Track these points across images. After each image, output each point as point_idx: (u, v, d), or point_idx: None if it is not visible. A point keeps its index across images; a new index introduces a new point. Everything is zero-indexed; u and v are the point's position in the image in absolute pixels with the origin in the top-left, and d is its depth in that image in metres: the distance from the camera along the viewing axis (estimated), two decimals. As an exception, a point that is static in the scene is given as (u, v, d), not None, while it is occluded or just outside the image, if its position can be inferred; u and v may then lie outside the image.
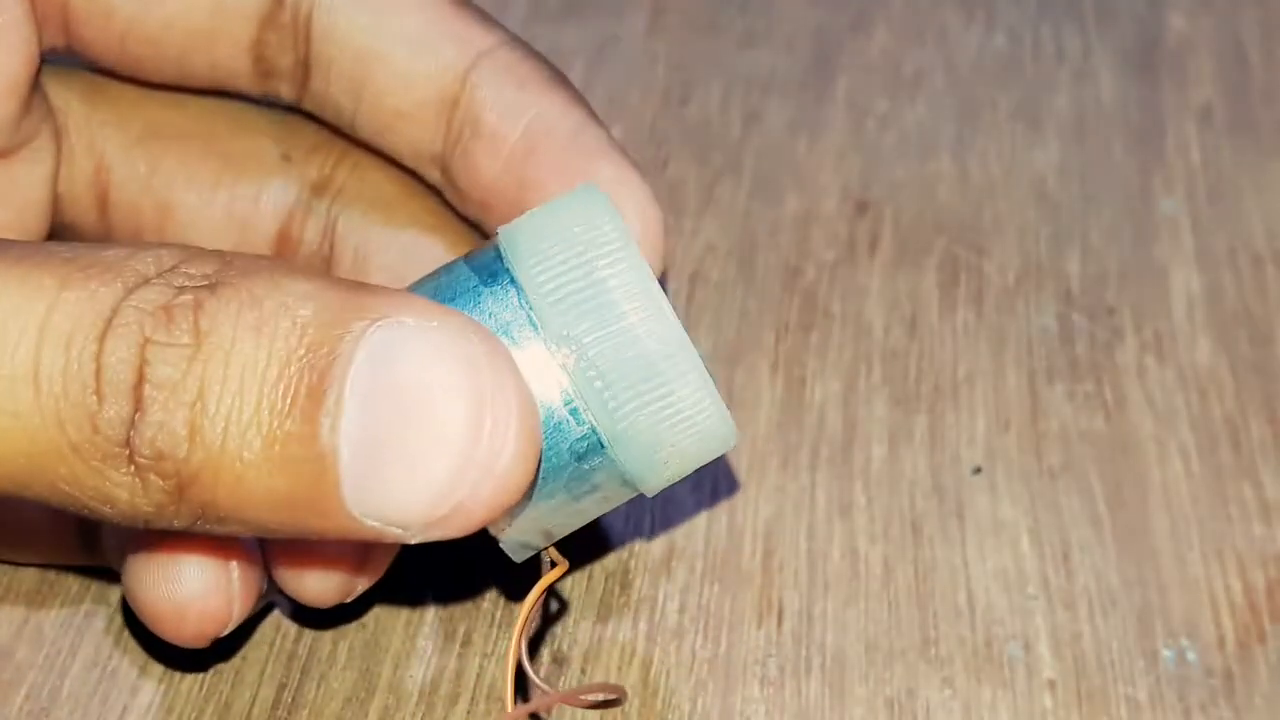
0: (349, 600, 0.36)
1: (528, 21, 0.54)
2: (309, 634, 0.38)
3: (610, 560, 0.40)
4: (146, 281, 0.29)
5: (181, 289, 0.29)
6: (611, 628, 0.38)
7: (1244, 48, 0.55)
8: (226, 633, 0.34)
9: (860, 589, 0.39)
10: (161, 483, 0.29)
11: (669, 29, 0.56)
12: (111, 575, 0.38)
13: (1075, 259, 0.48)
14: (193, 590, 0.33)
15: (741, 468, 0.42)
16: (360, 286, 0.29)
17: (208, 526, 0.30)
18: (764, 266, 0.47)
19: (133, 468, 0.29)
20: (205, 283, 0.29)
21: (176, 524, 0.29)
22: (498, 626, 0.38)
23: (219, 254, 0.29)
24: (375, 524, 0.29)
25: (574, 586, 0.39)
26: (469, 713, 0.37)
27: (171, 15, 0.37)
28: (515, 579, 0.39)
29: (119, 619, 0.38)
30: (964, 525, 0.41)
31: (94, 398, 0.28)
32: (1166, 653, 0.38)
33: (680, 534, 0.40)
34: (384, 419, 0.28)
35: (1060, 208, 0.49)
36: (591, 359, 0.31)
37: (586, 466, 0.32)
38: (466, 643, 0.38)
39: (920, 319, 0.46)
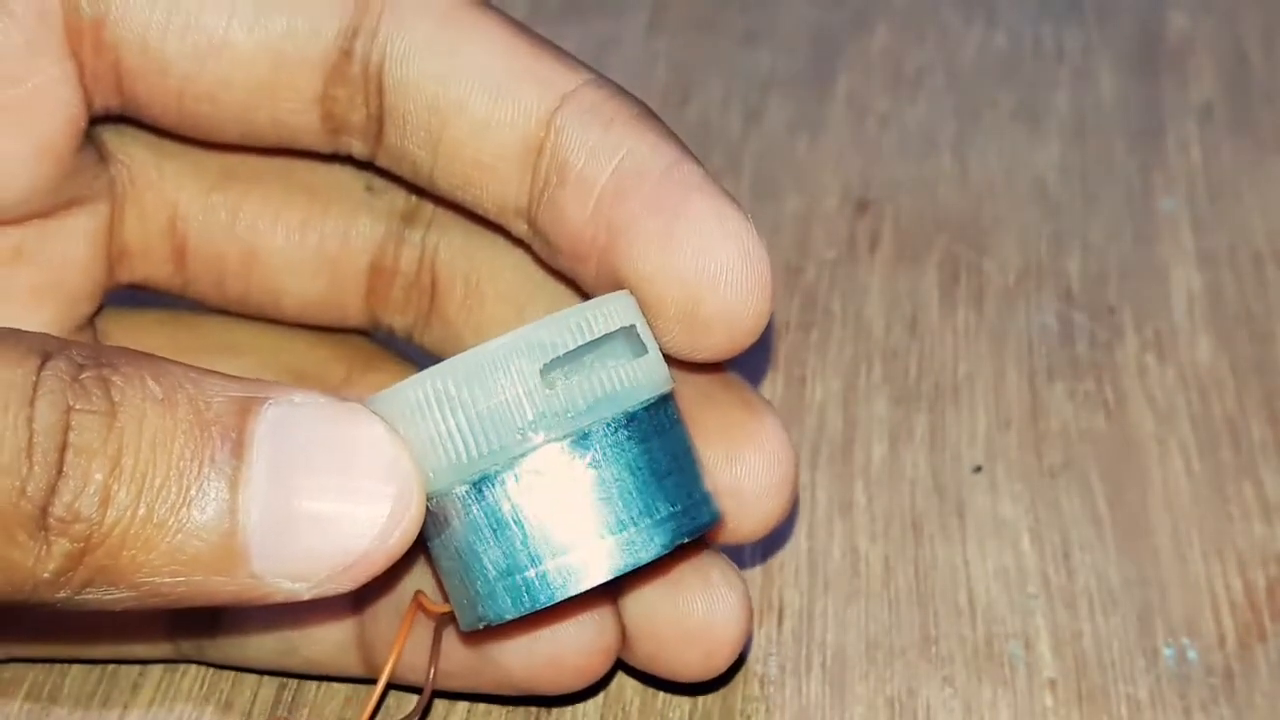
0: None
1: (527, 21, 0.54)
2: (309, 633, 0.38)
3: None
4: (51, 356, 0.30)
5: (82, 366, 0.30)
6: (612, 627, 0.38)
7: (1244, 47, 0.55)
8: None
9: (861, 588, 0.39)
10: (68, 546, 0.29)
11: (669, 28, 0.56)
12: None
13: (1075, 258, 0.48)
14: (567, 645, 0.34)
15: (742, 467, 0.42)
16: (241, 378, 0.31)
17: (94, 595, 0.30)
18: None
19: (43, 532, 0.29)
20: (98, 363, 0.30)
21: (62, 594, 0.30)
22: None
23: (91, 343, 0.31)
24: (275, 581, 0.30)
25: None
26: (469, 711, 0.37)
27: (230, 71, 0.34)
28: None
29: (119, 618, 0.38)
30: (964, 524, 0.41)
31: (26, 461, 0.29)
32: (1167, 651, 0.38)
33: (680, 533, 0.40)
34: (289, 482, 0.30)
35: (1060, 207, 0.49)
36: None
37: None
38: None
39: (920, 318, 0.46)
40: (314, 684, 0.37)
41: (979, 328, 0.46)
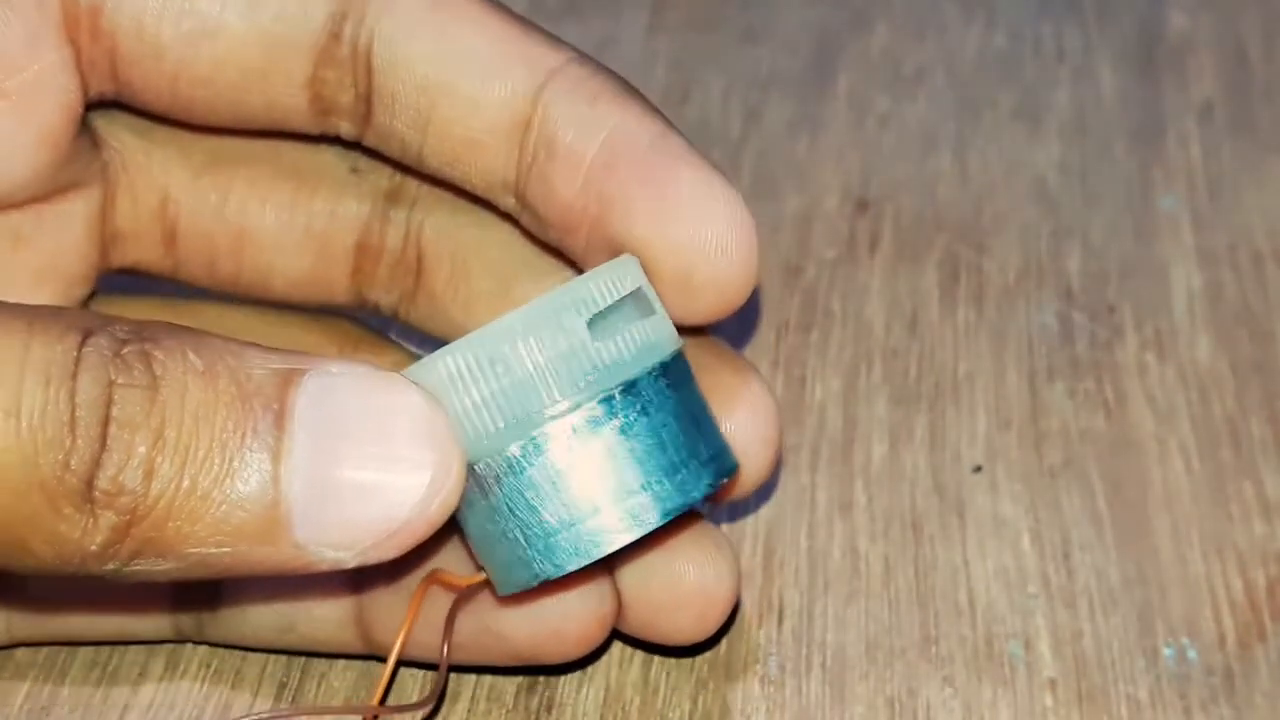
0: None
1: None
2: (309, 633, 0.38)
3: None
4: (92, 332, 0.30)
5: (124, 341, 0.30)
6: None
7: (1244, 45, 0.55)
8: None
9: (861, 588, 0.39)
10: (114, 519, 0.30)
11: (669, 27, 0.56)
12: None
13: (1076, 257, 0.48)
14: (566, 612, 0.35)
15: (742, 466, 0.42)
16: (280, 350, 0.31)
17: (143, 567, 0.30)
18: (764, 265, 0.47)
19: (89, 505, 0.29)
20: (140, 337, 0.30)
21: (110, 566, 0.30)
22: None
23: (132, 319, 0.31)
24: (319, 550, 0.31)
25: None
26: (469, 711, 0.37)
27: (223, 54, 0.35)
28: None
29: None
30: (964, 524, 0.41)
31: (69, 435, 0.29)
32: (1167, 651, 0.38)
33: (680, 533, 0.40)
34: (331, 452, 0.30)
35: (1060, 206, 0.49)
36: None
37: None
38: (467, 642, 0.38)
39: (921, 317, 0.46)
40: (314, 683, 0.37)
41: (979, 327, 0.46)
